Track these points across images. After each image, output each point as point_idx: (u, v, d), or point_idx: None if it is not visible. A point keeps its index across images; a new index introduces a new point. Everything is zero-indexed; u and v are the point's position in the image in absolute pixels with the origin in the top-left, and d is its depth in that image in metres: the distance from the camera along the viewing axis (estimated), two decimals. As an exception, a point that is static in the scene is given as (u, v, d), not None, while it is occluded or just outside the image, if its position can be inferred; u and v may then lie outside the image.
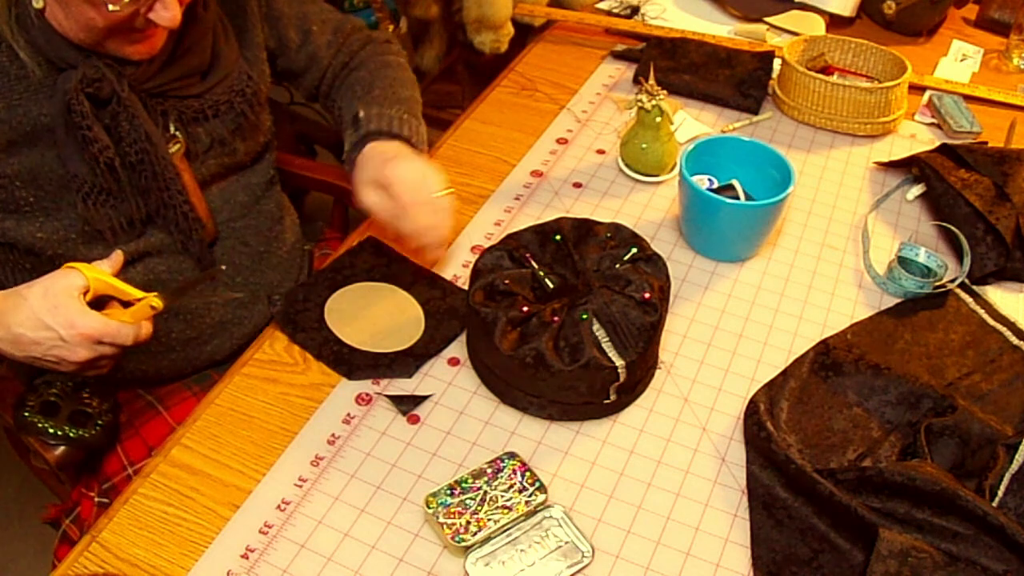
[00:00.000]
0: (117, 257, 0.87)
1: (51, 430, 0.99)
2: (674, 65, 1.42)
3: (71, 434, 0.99)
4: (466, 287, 0.94)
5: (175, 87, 0.95)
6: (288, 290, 1.04)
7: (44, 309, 0.80)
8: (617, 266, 0.92)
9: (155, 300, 0.83)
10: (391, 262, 1.07)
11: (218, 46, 0.99)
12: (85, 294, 0.82)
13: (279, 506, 0.82)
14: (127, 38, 0.87)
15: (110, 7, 0.81)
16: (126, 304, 0.84)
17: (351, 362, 0.95)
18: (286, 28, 1.10)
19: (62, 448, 1.00)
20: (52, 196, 0.91)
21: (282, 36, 1.11)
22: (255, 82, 1.03)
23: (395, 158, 0.99)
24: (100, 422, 1.02)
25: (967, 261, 1.06)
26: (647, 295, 0.87)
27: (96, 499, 1.02)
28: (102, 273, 0.83)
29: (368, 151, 1.02)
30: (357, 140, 1.04)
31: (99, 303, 0.84)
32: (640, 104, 1.15)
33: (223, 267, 1.04)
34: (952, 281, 1.05)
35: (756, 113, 1.36)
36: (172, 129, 0.97)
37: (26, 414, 1.00)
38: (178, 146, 0.97)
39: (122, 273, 0.87)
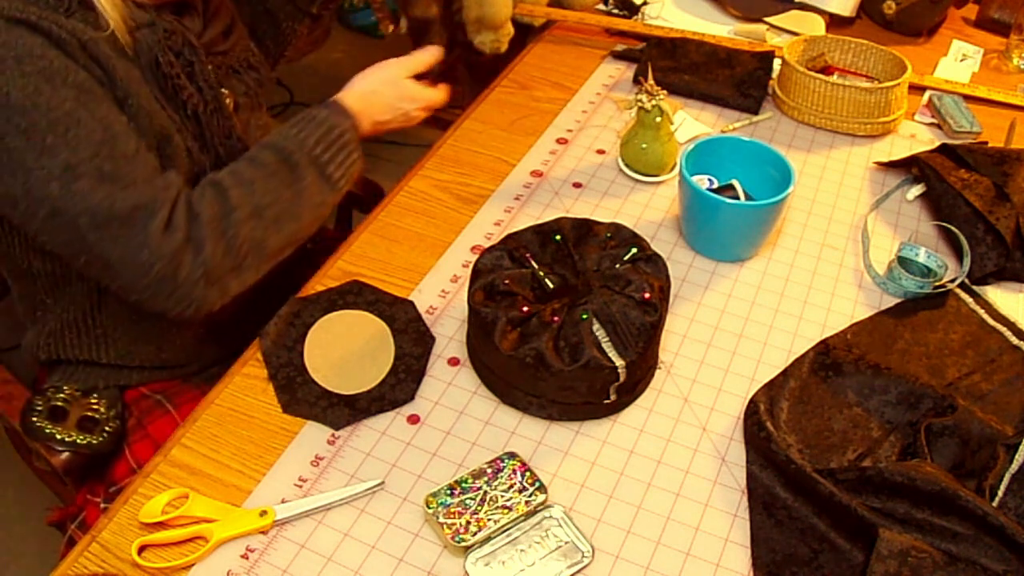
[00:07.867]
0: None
1: (58, 436, 0.99)
2: (674, 65, 1.42)
3: (79, 440, 0.99)
4: (465, 289, 0.94)
5: (210, 44, 1.00)
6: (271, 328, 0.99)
7: (395, 96, 1.08)
8: (617, 266, 0.92)
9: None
10: (377, 300, 1.01)
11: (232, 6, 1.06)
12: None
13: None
14: None
15: None
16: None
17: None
18: None
19: (67, 454, 1.00)
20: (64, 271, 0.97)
21: None
22: (255, 49, 1.11)
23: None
24: (108, 428, 1.02)
25: (967, 261, 1.06)
26: (647, 295, 0.87)
27: (102, 505, 1.02)
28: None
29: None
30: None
31: None
32: (640, 104, 1.15)
33: None
34: (952, 281, 1.05)
35: (756, 113, 1.36)
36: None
37: (34, 419, 0.99)
38: (229, 100, 1.02)
39: None
